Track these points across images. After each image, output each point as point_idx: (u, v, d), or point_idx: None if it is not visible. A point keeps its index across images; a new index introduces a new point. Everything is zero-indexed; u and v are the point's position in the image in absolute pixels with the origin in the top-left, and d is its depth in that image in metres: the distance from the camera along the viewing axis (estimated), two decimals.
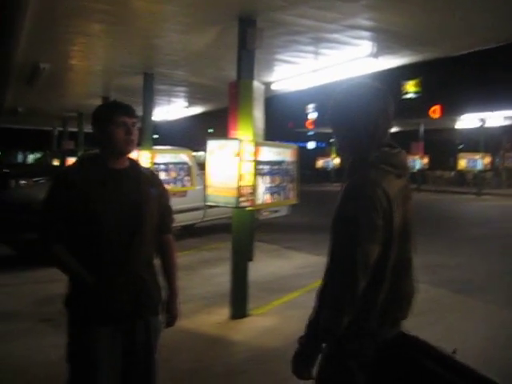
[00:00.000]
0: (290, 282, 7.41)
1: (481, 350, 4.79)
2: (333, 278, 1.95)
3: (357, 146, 2.07)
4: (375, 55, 7.43)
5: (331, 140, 39.84)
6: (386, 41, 7.00)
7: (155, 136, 22.13)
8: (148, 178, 2.70)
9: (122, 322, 2.56)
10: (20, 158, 43.53)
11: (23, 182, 16.52)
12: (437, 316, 5.69)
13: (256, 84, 5.70)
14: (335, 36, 6.79)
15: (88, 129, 18.16)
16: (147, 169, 2.85)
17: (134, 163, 2.71)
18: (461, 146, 36.27)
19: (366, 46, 7.23)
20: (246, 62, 5.81)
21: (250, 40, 5.72)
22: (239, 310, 5.81)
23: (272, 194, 5.95)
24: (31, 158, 40.20)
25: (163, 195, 2.80)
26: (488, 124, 25.84)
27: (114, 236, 2.48)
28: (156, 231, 2.73)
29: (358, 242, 1.86)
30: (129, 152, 2.59)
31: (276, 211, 10.69)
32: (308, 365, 2.04)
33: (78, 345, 2.54)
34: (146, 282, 2.63)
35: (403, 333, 2.02)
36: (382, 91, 2.07)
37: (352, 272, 1.86)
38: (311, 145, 48.43)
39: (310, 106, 37.50)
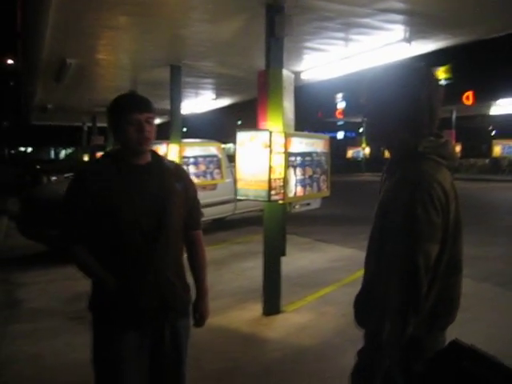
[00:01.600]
0: (324, 276, 7.22)
1: None
2: (390, 284, 1.71)
3: (396, 134, 1.86)
4: (408, 40, 7.15)
5: (361, 130, 39.62)
6: (420, 24, 6.72)
7: (184, 129, 22.15)
8: (172, 172, 2.55)
9: (147, 325, 2.43)
10: (52, 154, 44.31)
11: (54, 177, 16.68)
12: (478, 312, 5.41)
13: (285, 72, 5.50)
14: (366, 21, 6.54)
15: None
16: (171, 162, 2.69)
17: (157, 157, 2.56)
18: (493, 133, 35.46)
19: (398, 30, 6.97)
20: (275, 50, 5.61)
21: (278, 27, 5.52)
22: (272, 306, 5.65)
23: (304, 186, 5.75)
24: (63, 153, 40.85)
25: (190, 189, 2.63)
26: None
27: (137, 234, 2.34)
28: (184, 227, 2.59)
29: (419, 243, 1.66)
30: (143, 150, 2.43)
31: (308, 204, 10.48)
32: (371, 382, 1.81)
33: (102, 350, 2.42)
34: (173, 282, 2.49)
35: (456, 341, 1.81)
36: (427, 73, 1.85)
37: (415, 277, 1.67)
38: (340, 135, 48.04)
39: (339, 96, 37.01)
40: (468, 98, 24.03)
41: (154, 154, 2.56)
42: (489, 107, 26.66)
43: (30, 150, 44.91)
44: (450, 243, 1.77)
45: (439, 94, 1.85)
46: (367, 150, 37.16)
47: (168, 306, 2.45)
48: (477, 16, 6.56)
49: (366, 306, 1.89)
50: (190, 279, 2.66)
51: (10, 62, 25.87)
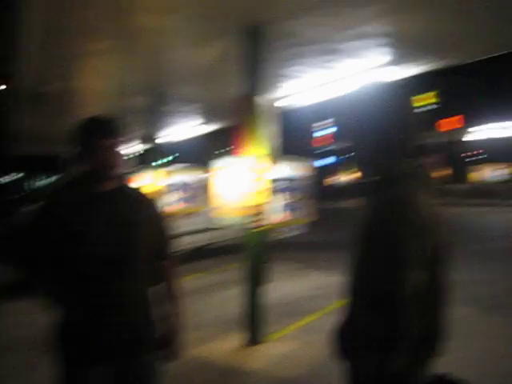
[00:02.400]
0: (308, 304, 7.08)
1: None
2: (375, 314, 1.60)
3: (374, 156, 1.81)
4: (391, 63, 7.16)
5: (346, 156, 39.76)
6: (402, 48, 6.71)
7: (176, 155, 22.25)
8: (138, 200, 2.46)
9: (112, 361, 2.29)
10: (28, 184, 43.77)
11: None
12: (466, 339, 5.29)
13: (263, 99, 5.42)
14: (347, 45, 6.51)
15: None
16: (136, 190, 2.57)
17: (123, 184, 2.46)
18: (480, 157, 35.88)
19: (381, 54, 6.95)
20: (254, 76, 5.55)
21: (257, 53, 5.47)
22: (254, 336, 5.49)
23: (287, 211, 5.66)
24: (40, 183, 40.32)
25: (157, 218, 2.52)
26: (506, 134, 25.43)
27: (101, 265, 2.23)
28: (152, 257, 2.47)
29: (403, 271, 1.57)
30: (110, 176, 2.34)
31: (292, 230, 10.37)
32: None
33: None
34: (141, 315, 2.37)
35: (439, 377, 1.70)
36: (403, 94, 1.83)
37: (406, 307, 1.56)
38: (331, 159, 48.06)
39: (317, 124, 37.26)
40: (451, 123, 24.26)
41: (120, 180, 2.45)
42: (473, 132, 26.93)
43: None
44: (436, 270, 1.69)
45: (414, 114, 1.81)
46: (343, 178, 37.19)
47: (134, 339, 2.32)
48: (460, 40, 6.55)
49: (349, 338, 1.77)
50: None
51: None
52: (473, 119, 24.07)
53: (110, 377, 2.29)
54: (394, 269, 1.57)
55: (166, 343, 2.52)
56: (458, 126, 24.01)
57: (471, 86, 27.38)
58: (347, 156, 39.87)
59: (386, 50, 6.82)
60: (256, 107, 5.32)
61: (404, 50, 6.82)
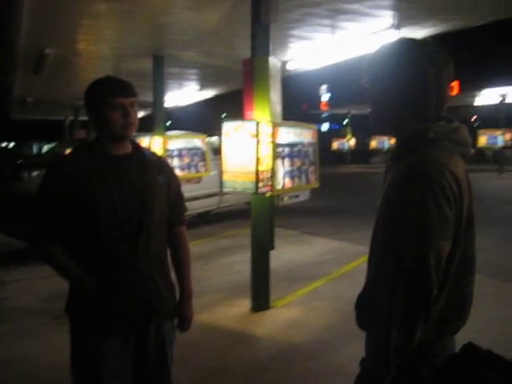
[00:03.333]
0: (313, 270, 7.06)
1: None
2: (397, 286, 1.50)
3: (406, 118, 1.65)
4: (396, 26, 7.00)
5: (345, 121, 39.51)
6: (408, 10, 6.56)
7: (168, 122, 21.86)
8: (154, 164, 2.36)
9: (129, 330, 2.25)
10: (34, 148, 43.74)
11: (36, 172, 16.32)
12: (475, 304, 5.28)
13: (272, 61, 5.30)
14: (354, 7, 6.36)
15: None
16: (153, 154, 2.49)
17: (138, 148, 2.38)
18: (477, 124, 35.55)
19: (386, 16, 6.80)
20: (261, 38, 5.40)
21: (263, 13, 5.31)
22: (261, 302, 5.48)
23: (292, 177, 5.58)
24: (45, 148, 40.31)
25: (172, 182, 2.45)
26: (508, 100, 25.12)
27: (117, 231, 2.16)
28: (166, 223, 2.40)
29: (430, 240, 1.46)
30: (128, 136, 2.25)
31: (297, 196, 10.32)
32: None
33: (82, 356, 2.26)
34: (157, 282, 2.31)
35: (471, 346, 1.63)
36: (435, 48, 1.63)
37: (425, 278, 1.47)
38: (325, 127, 47.93)
39: (324, 87, 36.84)
40: (452, 88, 23.96)
41: (135, 144, 2.37)
42: (473, 97, 26.66)
43: (11, 144, 44.33)
44: (462, 239, 1.59)
45: (449, 72, 1.64)
46: (352, 142, 37.09)
47: (151, 308, 2.27)
48: (465, 2, 6.42)
49: (368, 308, 1.70)
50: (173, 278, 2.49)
51: None
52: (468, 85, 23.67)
53: (128, 344, 2.26)
54: (418, 238, 1.47)
55: (180, 311, 2.50)
56: (456, 91, 23.65)
57: (467, 50, 26.98)
58: (344, 123, 39.73)
59: (393, 12, 6.66)
60: (264, 69, 5.18)
61: (411, 11, 6.65)
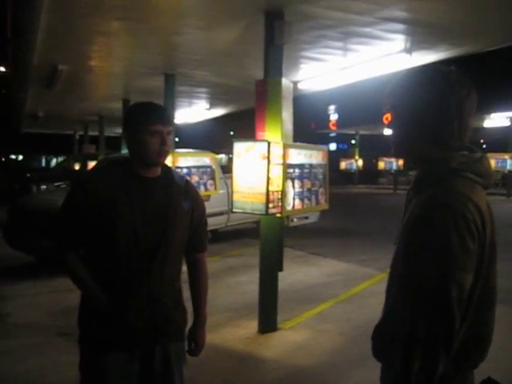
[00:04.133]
0: (320, 292, 7.01)
1: None
2: (419, 319, 1.47)
3: (428, 147, 1.63)
4: (409, 50, 7.00)
5: (353, 141, 39.55)
6: (421, 34, 6.58)
7: (176, 139, 21.94)
8: (181, 189, 2.38)
9: (136, 348, 2.27)
10: (43, 162, 44.01)
11: (44, 186, 16.39)
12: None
13: (285, 82, 5.31)
14: (366, 30, 6.38)
15: (108, 132, 18.10)
16: (182, 178, 2.51)
17: (168, 171, 2.40)
18: (484, 146, 35.45)
19: (399, 40, 6.82)
20: (274, 59, 5.45)
21: (277, 34, 5.35)
22: (268, 323, 5.44)
23: (302, 199, 5.56)
24: (54, 162, 40.54)
25: (197, 208, 2.47)
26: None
27: (134, 251, 2.19)
28: (184, 249, 2.43)
29: (453, 273, 1.44)
30: (161, 163, 2.31)
31: (306, 217, 10.27)
32: None
33: (89, 370, 2.29)
34: (167, 305, 2.32)
35: (490, 380, 1.59)
36: (457, 76, 1.62)
37: (447, 311, 1.44)
38: (333, 146, 48.01)
39: (332, 107, 36.91)
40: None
41: (165, 167, 2.41)
42: (482, 120, 26.65)
43: (20, 157, 44.62)
44: (484, 272, 1.56)
45: (471, 101, 1.62)
46: (360, 162, 37.11)
47: (159, 327, 2.29)
48: (478, 27, 6.43)
49: (386, 340, 1.67)
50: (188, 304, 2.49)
51: (1, 69, 25.64)
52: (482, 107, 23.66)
53: (134, 362, 2.27)
54: (441, 271, 1.45)
55: (192, 337, 2.52)
56: None
57: (475, 73, 27.04)
58: (351, 143, 39.75)
59: (405, 36, 6.69)
60: (277, 90, 5.19)
61: (424, 36, 6.67)
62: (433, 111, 1.59)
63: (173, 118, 2.27)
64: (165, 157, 2.28)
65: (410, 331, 1.49)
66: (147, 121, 2.21)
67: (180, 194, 2.35)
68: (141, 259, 2.20)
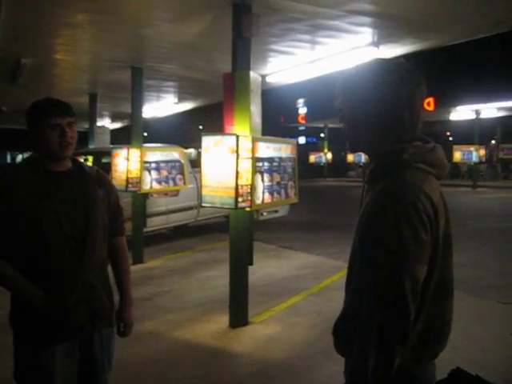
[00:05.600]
0: (291, 285, 7.02)
1: (504, 358, 4.45)
2: (373, 312, 1.48)
3: (380, 140, 1.63)
4: (376, 44, 7.04)
5: (322, 135, 39.76)
6: (388, 28, 6.59)
7: (144, 134, 21.66)
8: (94, 179, 2.49)
9: (76, 337, 2.34)
10: (8, 158, 43.22)
11: None
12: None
13: (253, 75, 5.28)
14: (334, 23, 6.37)
15: (79, 127, 17.80)
16: (92, 168, 2.60)
17: (78, 163, 2.49)
18: (451, 139, 36.07)
19: (366, 33, 6.83)
20: (242, 52, 5.40)
21: (245, 27, 5.31)
22: (239, 318, 5.43)
23: (271, 193, 5.54)
24: (20, 158, 39.85)
25: (112, 195, 2.60)
26: (482, 115, 25.61)
27: (62, 243, 2.25)
28: (107, 234, 2.53)
29: (405, 265, 1.45)
30: (66, 156, 2.37)
31: (276, 211, 10.28)
32: None
33: (28, 366, 2.30)
34: (100, 291, 2.42)
35: (459, 371, 1.60)
36: (407, 67, 1.62)
37: (401, 304, 1.44)
38: (302, 140, 48.19)
39: (301, 101, 37.02)
40: (429, 104, 24.26)
41: (75, 160, 2.49)
42: (448, 113, 27.07)
43: None
44: (439, 263, 1.57)
45: (422, 92, 1.63)
46: (329, 155, 37.37)
47: (94, 312, 2.37)
48: (443, 21, 6.47)
49: (346, 335, 1.67)
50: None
51: None
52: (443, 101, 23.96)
53: (74, 351, 2.34)
54: (393, 262, 1.45)
55: (120, 318, 2.62)
56: (432, 108, 23.91)
57: (443, 67, 27.36)
58: (320, 136, 39.97)
59: (372, 29, 6.71)
60: (245, 84, 5.16)
61: (391, 29, 6.69)
62: (384, 103, 1.59)
63: (72, 109, 2.30)
64: (68, 148, 2.32)
65: (365, 325, 1.50)
66: (45, 114, 2.27)
67: (94, 182, 2.46)
68: (70, 251, 2.26)
